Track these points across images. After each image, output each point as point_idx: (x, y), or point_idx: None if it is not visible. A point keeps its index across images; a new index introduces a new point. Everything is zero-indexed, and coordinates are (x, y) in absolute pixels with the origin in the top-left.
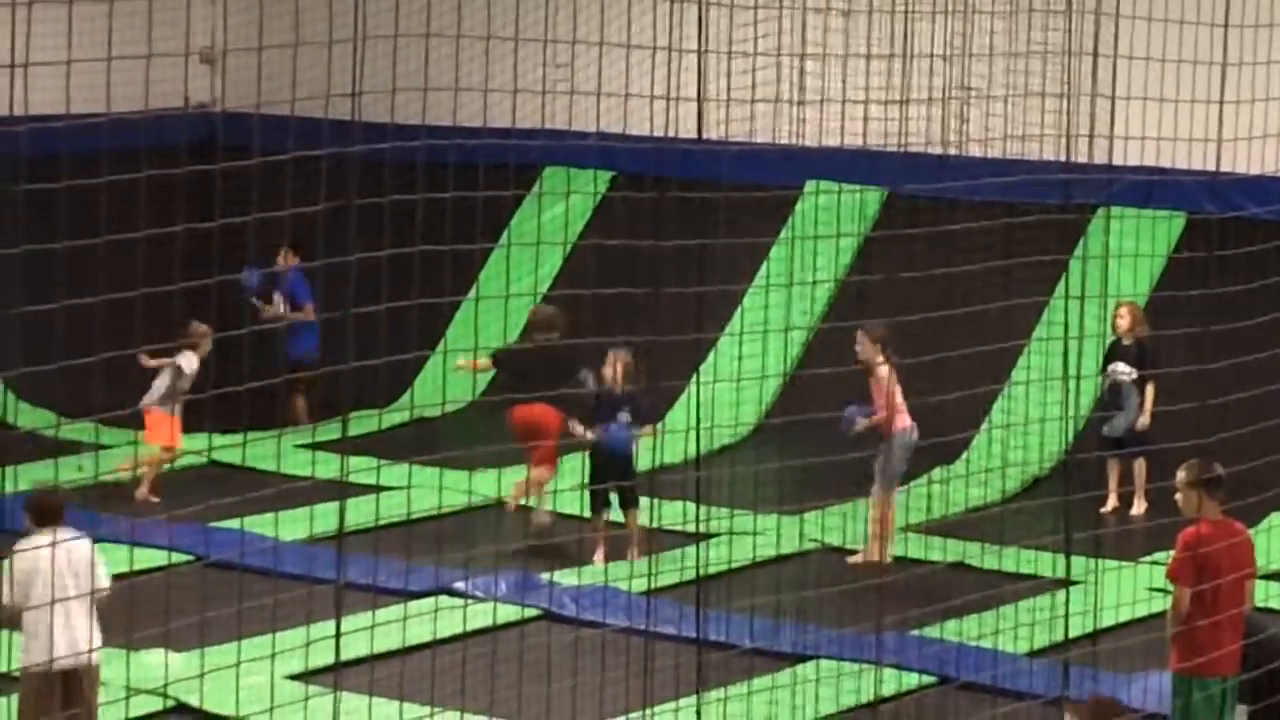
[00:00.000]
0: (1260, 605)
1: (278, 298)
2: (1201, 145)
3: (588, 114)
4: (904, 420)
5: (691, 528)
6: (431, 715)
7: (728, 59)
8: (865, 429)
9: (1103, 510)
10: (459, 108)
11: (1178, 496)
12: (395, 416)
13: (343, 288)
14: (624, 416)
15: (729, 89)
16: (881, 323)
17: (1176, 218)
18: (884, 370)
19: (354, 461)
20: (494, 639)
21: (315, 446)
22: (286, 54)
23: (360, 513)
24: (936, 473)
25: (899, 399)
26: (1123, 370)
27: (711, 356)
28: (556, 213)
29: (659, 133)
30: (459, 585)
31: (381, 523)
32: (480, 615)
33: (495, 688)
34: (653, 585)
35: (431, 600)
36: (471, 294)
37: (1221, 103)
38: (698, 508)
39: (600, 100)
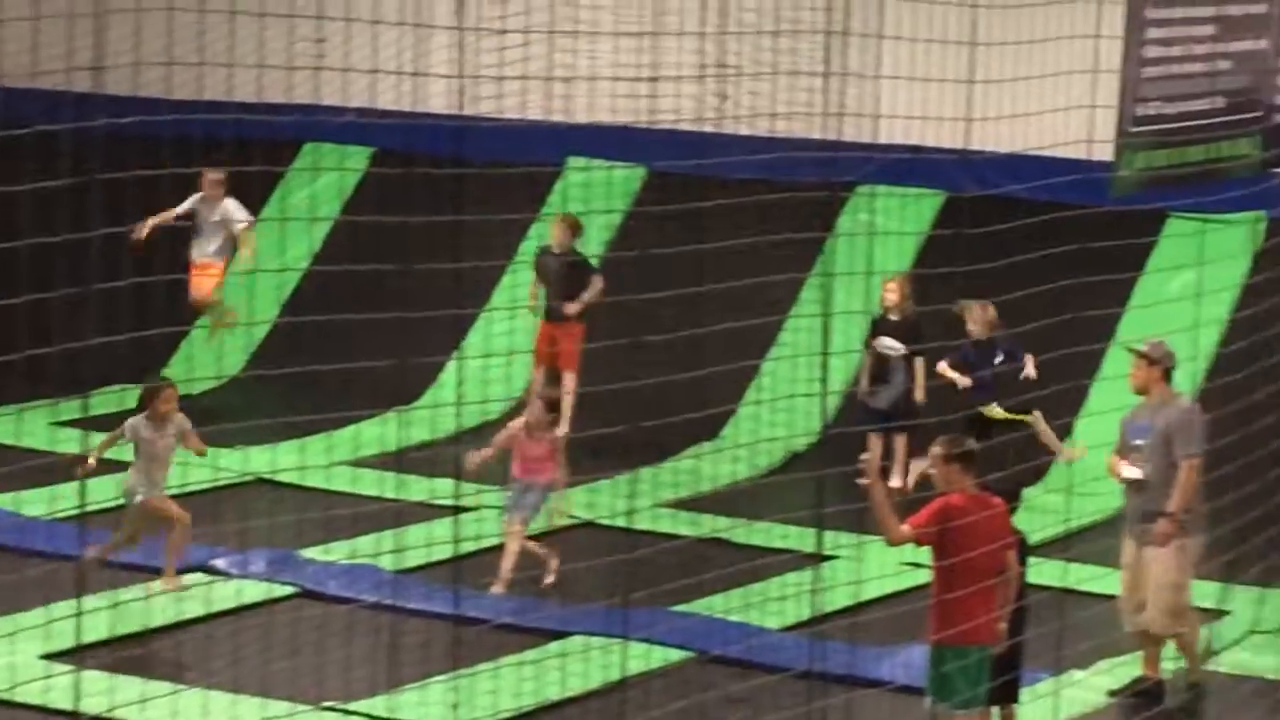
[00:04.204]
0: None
1: None
2: (956, 124)
3: (345, 90)
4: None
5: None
6: (176, 693)
7: (477, 36)
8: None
9: (862, 483)
10: (207, 84)
11: (932, 471)
12: None
13: (85, 264)
14: None
15: (471, 66)
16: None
17: (935, 196)
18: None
19: (96, 438)
20: (247, 618)
21: (62, 424)
22: (25, 26)
23: (108, 490)
24: (697, 448)
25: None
26: (889, 344)
27: (472, 334)
28: (316, 189)
29: (420, 109)
30: (217, 563)
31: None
32: (236, 593)
33: (248, 666)
34: (410, 563)
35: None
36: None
37: (971, 82)
38: (457, 484)
39: (354, 77)
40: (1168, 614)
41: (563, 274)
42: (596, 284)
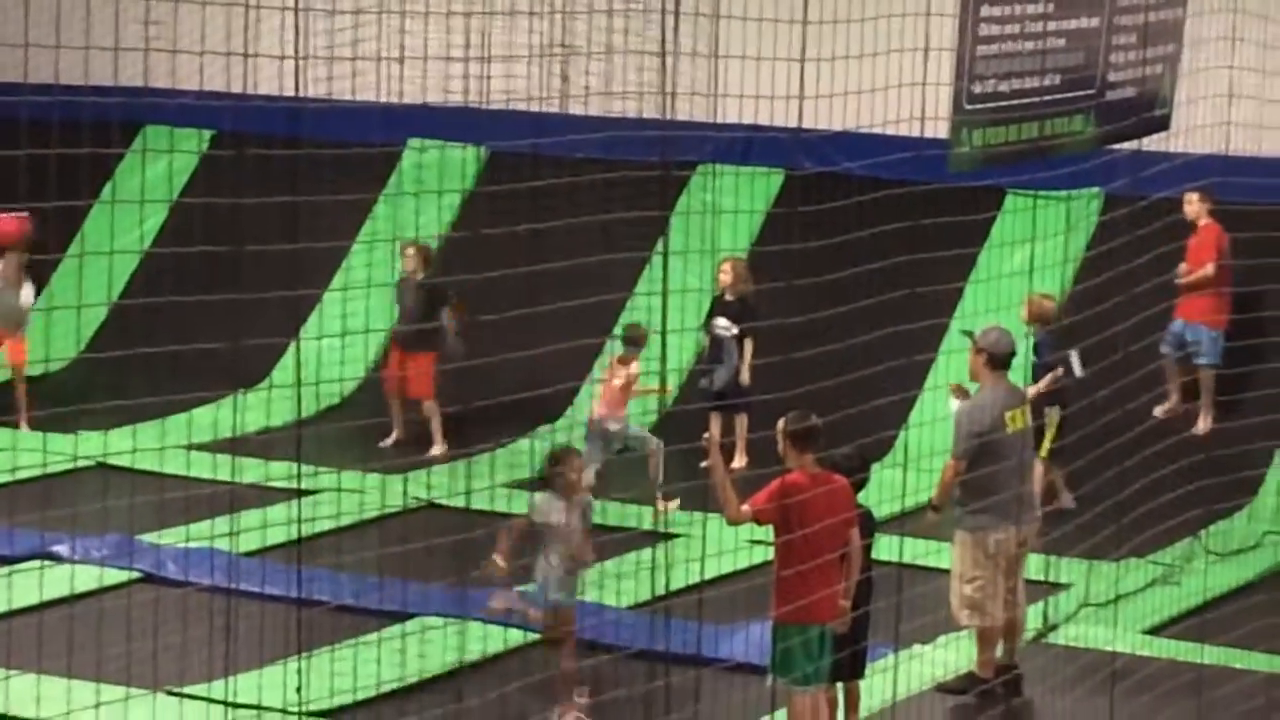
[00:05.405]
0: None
1: None
2: (793, 103)
3: (181, 71)
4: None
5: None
6: (6, 679)
7: (309, 17)
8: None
9: (704, 465)
10: (33, 65)
11: (780, 448)
12: None
13: None
14: None
15: (304, 46)
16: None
17: (775, 174)
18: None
19: None
20: (89, 603)
21: None
22: None
23: None
24: (541, 430)
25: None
26: (723, 325)
27: (315, 315)
28: (155, 172)
29: (252, 91)
30: (58, 550)
31: None
32: (73, 579)
33: (86, 651)
34: (252, 545)
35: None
36: (73, 250)
37: (803, 60)
38: (299, 466)
39: (185, 59)
40: (962, 606)
41: (419, 302)
42: (445, 319)
